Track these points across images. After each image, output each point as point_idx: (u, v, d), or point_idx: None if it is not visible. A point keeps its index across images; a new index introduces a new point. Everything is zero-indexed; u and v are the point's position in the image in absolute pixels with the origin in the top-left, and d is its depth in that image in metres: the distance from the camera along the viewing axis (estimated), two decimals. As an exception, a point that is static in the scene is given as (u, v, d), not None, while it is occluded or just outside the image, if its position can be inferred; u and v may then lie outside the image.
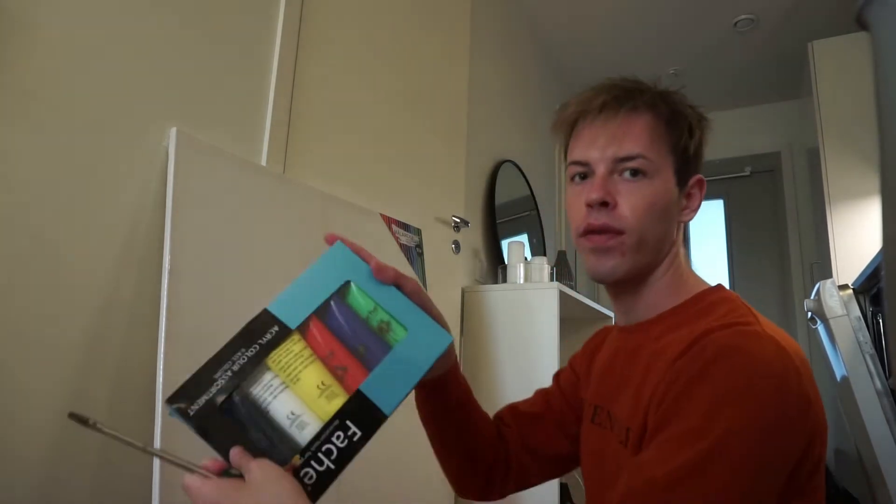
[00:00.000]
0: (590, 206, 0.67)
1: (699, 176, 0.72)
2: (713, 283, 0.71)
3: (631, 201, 0.67)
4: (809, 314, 1.62)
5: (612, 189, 0.67)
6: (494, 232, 2.20)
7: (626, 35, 2.82)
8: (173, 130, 0.94)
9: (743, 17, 2.63)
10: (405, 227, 1.44)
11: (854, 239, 2.23)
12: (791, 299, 3.11)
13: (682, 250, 0.73)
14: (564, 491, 1.84)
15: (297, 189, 1.16)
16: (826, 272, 2.31)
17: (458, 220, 1.79)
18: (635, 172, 0.67)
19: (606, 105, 0.69)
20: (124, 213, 0.89)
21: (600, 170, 0.68)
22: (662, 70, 3.10)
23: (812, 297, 1.58)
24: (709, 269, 3.42)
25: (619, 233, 0.67)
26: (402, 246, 1.41)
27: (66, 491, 0.79)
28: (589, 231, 0.68)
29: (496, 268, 2.13)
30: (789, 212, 3.19)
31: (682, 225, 0.73)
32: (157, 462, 0.77)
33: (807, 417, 0.55)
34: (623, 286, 0.72)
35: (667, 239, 0.70)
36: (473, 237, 2.08)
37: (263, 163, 1.14)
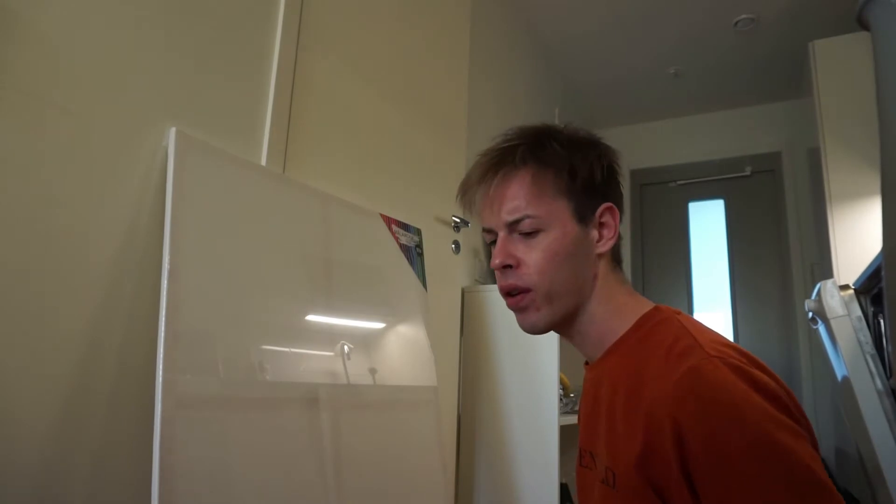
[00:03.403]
0: (496, 270, 0.71)
1: (607, 204, 0.73)
2: (657, 303, 0.72)
3: (531, 258, 0.70)
4: (810, 314, 1.62)
5: (513, 250, 0.71)
6: (494, 232, 2.19)
7: (626, 35, 2.82)
8: (173, 130, 0.94)
9: (743, 17, 2.62)
10: (405, 227, 1.44)
11: (855, 239, 2.22)
12: (791, 299, 3.11)
13: (612, 277, 0.73)
14: (564, 491, 1.84)
15: (297, 189, 1.16)
16: (827, 272, 2.31)
17: (458, 220, 1.79)
18: (528, 233, 0.70)
19: (484, 177, 0.73)
20: (124, 214, 0.89)
21: (501, 234, 0.72)
22: (662, 70, 3.10)
23: (813, 298, 1.58)
24: (709, 270, 3.42)
25: (527, 290, 0.70)
26: (402, 246, 1.41)
27: (66, 490, 0.79)
28: (503, 293, 0.72)
29: (496, 268, 2.13)
30: (789, 212, 3.19)
31: (607, 255, 0.73)
32: (157, 461, 0.77)
33: (782, 397, 0.57)
34: (560, 331, 0.74)
35: (583, 279, 0.71)
36: (473, 237, 2.08)
37: (263, 163, 1.14)
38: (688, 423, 0.56)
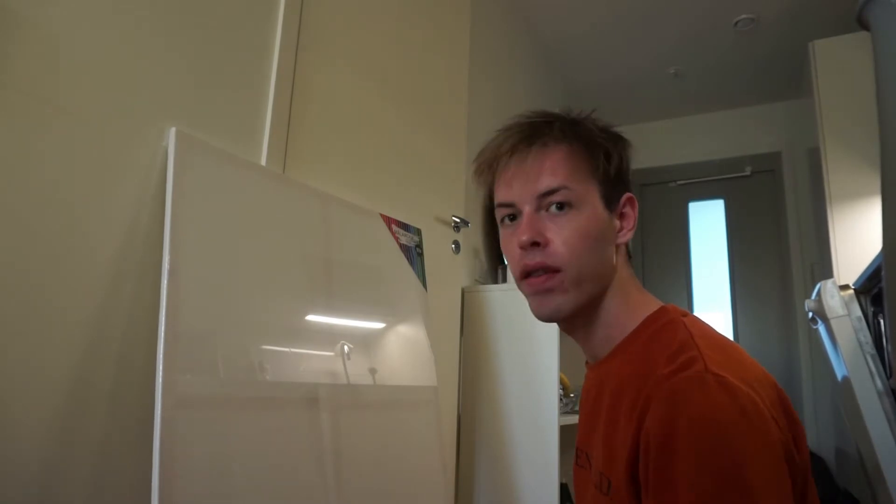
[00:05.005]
0: (522, 248, 0.66)
1: (629, 194, 0.71)
2: (667, 302, 0.70)
3: (562, 235, 0.66)
4: (810, 314, 1.62)
5: (541, 227, 0.66)
6: (494, 232, 2.20)
7: (626, 35, 2.82)
8: (173, 130, 0.94)
9: (743, 16, 2.62)
10: (405, 227, 1.44)
11: (855, 239, 2.22)
12: (791, 299, 3.11)
13: (626, 271, 0.71)
14: (564, 491, 1.84)
15: (297, 189, 1.16)
16: (827, 272, 2.31)
17: (458, 220, 1.79)
18: (561, 206, 0.66)
19: (516, 147, 0.69)
20: (124, 214, 0.89)
21: (526, 209, 0.67)
22: (662, 70, 3.10)
23: (813, 298, 1.58)
24: (709, 270, 3.42)
25: (557, 271, 0.66)
26: (402, 246, 1.41)
27: (66, 490, 0.79)
28: (526, 273, 0.67)
29: (496, 268, 2.13)
30: (789, 212, 3.19)
31: (623, 247, 0.72)
32: (157, 461, 0.77)
33: (774, 435, 0.54)
34: (573, 323, 0.71)
35: (607, 266, 0.68)
36: (473, 237, 2.08)
37: (263, 163, 1.14)
38: (655, 443, 0.54)
